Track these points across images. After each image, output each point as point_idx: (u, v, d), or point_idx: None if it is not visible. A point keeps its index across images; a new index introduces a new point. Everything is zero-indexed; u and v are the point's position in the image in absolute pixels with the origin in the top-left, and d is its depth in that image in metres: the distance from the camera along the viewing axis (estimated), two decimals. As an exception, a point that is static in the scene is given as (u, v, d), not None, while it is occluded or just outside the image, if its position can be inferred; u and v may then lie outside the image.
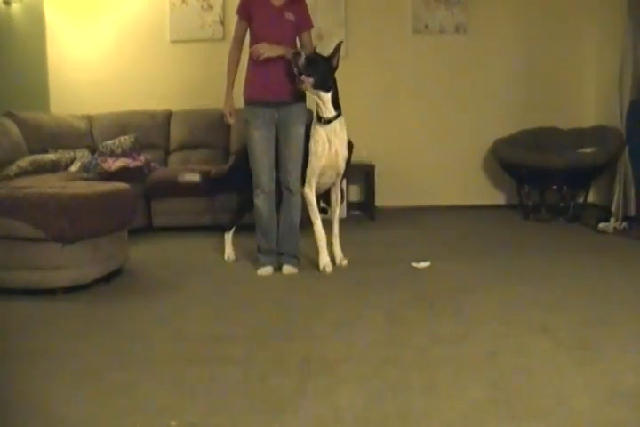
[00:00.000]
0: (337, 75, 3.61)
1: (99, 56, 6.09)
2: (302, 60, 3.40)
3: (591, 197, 5.82)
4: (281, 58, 3.50)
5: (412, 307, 2.93)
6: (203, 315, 2.90)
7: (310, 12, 3.70)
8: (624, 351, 2.31)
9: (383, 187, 5.84)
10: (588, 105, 6.13)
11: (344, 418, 1.83)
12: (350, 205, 5.91)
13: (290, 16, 3.54)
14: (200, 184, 4.43)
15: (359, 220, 5.70)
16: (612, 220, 4.87)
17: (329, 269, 3.66)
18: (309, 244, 3.78)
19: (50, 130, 5.28)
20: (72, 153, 5.13)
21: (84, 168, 4.92)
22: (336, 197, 3.90)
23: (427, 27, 6.10)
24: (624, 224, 4.78)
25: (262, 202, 3.62)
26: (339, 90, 3.62)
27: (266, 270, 3.67)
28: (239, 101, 3.68)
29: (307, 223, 3.78)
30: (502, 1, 6.12)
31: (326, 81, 3.52)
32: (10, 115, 5.03)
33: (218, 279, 3.57)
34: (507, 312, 2.82)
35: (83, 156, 5.14)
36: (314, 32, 3.76)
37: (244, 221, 4.08)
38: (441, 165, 6.21)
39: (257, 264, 3.73)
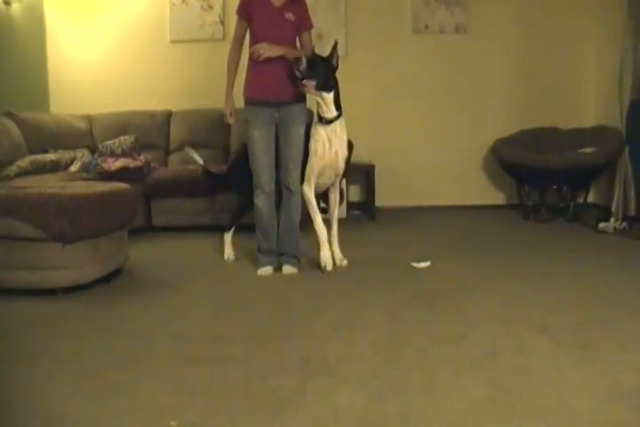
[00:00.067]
0: (337, 75, 3.61)
1: (99, 56, 6.09)
2: (304, 65, 3.41)
3: (591, 197, 5.82)
4: (281, 58, 3.50)
5: (412, 307, 2.93)
6: (203, 315, 2.90)
7: (310, 12, 3.70)
8: (624, 351, 2.31)
9: (383, 187, 5.84)
10: (588, 105, 6.13)
11: (344, 418, 1.83)
12: (350, 205, 5.91)
13: (290, 16, 3.54)
14: (200, 177, 4.43)
15: (359, 220, 5.70)
16: (612, 220, 4.87)
17: (329, 266, 3.66)
18: (309, 244, 3.78)
19: (50, 130, 5.28)
20: (72, 153, 5.13)
21: (84, 168, 4.92)
22: (335, 197, 3.90)
23: (427, 27, 6.10)
24: (624, 224, 4.78)
25: (262, 202, 3.62)
26: (339, 90, 3.63)
27: (266, 270, 3.67)
28: (239, 101, 3.68)
29: (307, 223, 3.78)
30: (502, 1, 6.12)
31: (328, 82, 3.53)
32: (10, 115, 5.03)
33: (218, 279, 3.57)
34: (507, 312, 2.82)
35: (83, 156, 5.14)
36: (314, 32, 3.76)
37: (243, 221, 4.08)
38: (441, 165, 6.21)
39: (257, 264, 3.73)
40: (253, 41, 3.56)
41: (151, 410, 1.91)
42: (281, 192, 3.69)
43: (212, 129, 5.63)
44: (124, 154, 5.17)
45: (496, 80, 6.18)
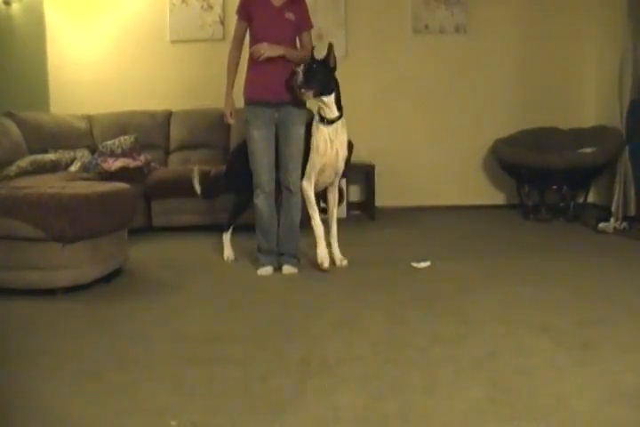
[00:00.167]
0: (337, 75, 3.61)
1: (99, 56, 6.09)
2: (300, 77, 3.41)
3: (591, 197, 5.82)
4: (281, 58, 3.50)
5: (412, 307, 2.93)
6: (203, 315, 2.90)
7: (310, 12, 3.70)
8: (624, 351, 2.31)
9: (383, 187, 5.84)
10: (588, 105, 6.13)
11: (344, 418, 1.83)
12: (350, 205, 5.91)
13: (290, 16, 3.54)
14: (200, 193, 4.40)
15: (359, 220, 5.70)
16: (612, 220, 4.87)
17: (326, 263, 3.66)
18: (310, 244, 3.78)
19: (50, 130, 5.28)
20: (72, 153, 5.13)
21: (84, 168, 4.92)
22: (334, 196, 3.90)
23: (427, 27, 6.10)
24: (624, 224, 4.77)
25: (262, 202, 3.62)
26: (340, 90, 3.62)
27: (266, 270, 3.67)
28: (239, 101, 3.68)
29: (307, 223, 3.78)
30: (502, 1, 6.12)
31: (327, 86, 3.53)
32: (10, 115, 5.03)
33: (218, 279, 3.58)
34: (507, 312, 2.82)
35: (83, 156, 5.14)
36: (314, 32, 3.76)
37: (242, 221, 4.08)
38: (441, 165, 6.21)
39: (257, 264, 3.73)
40: (253, 41, 3.56)
41: (151, 410, 1.91)
42: (281, 192, 3.69)
43: (211, 129, 5.63)
44: (123, 154, 5.17)
45: (496, 80, 6.18)
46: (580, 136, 5.68)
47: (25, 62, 5.68)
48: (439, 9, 6.07)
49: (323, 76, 3.49)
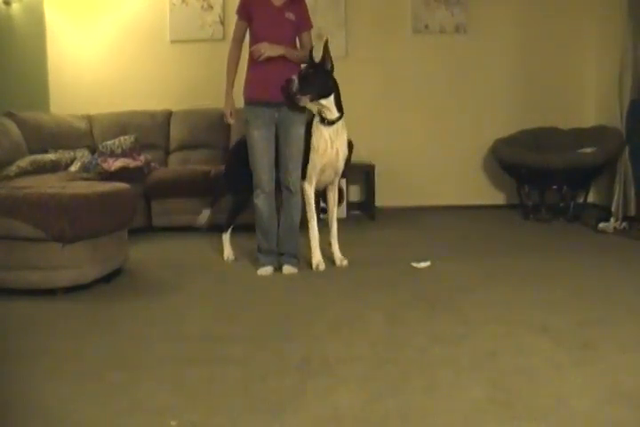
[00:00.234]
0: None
1: (99, 56, 6.10)
2: (295, 85, 3.40)
3: (591, 197, 5.82)
4: (281, 57, 3.50)
5: (412, 307, 2.93)
6: (203, 315, 2.90)
7: (310, 12, 3.70)
8: (624, 351, 2.31)
9: (383, 187, 5.84)
10: (588, 105, 6.13)
11: (344, 418, 1.83)
12: (350, 205, 5.91)
13: (290, 16, 3.54)
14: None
15: (359, 220, 5.70)
16: (612, 220, 4.87)
17: (322, 266, 3.67)
18: (309, 243, 3.77)
19: (50, 130, 5.28)
20: (72, 153, 5.13)
21: (84, 168, 4.92)
22: (334, 196, 3.90)
23: (427, 27, 6.10)
24: (624, 224, 4.78)
25: (262, 202, 3.62)
26: (340, 91, 3.62)
27: (266, 270, 3.67)
28: (239, 101, 3.68)
29: (306, 223, 3.78)
30: (502, 1, 6.13)
31: (324, 89, 3.52)
32: (10, 115, 5.03)
33: (218, 279, 3.57)
34: (507, 312, 2.82)
35: (83, 156, 5.14)
36: (314, 32, 3.76)
37: (242, 221, 4.08)
38: (441, 165, 6.21)
39: (257, 264, 3.73)
40: (253, 41, 3.56)
41: (151, 410, 1.91)
42: (281, 192, 3.69)
43: (211, 129, 5.63)
44: (124, 154, 5.17)
45: (496, 80, 6.18)
46: (580, 136, 5.68)
47: (25, 62, 5.68)
48: (439, 9, 6.07)
49: (319, 80, 3.49)
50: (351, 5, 6.08)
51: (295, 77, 3.41)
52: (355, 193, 6.16)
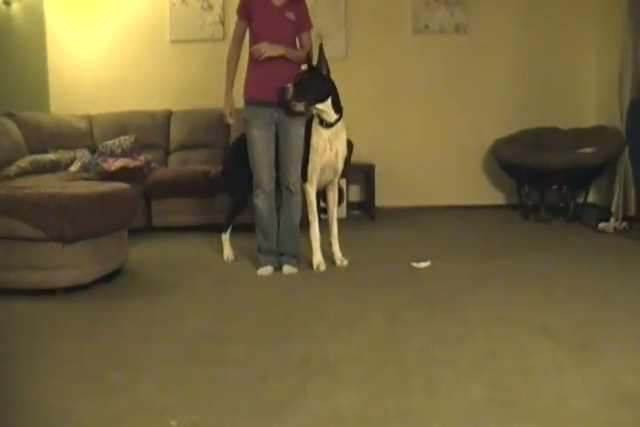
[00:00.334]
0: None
1: (99, 56, 6.09)
2: (290, 93, 3.40)
3: (591, 197, 5.82)
4: (281, 57, 3.50)
5: (412, 307, 2.93)
6: (203, 315, 2.90)
7: (310, 12, 3.70)
8: (624, 351, 2.31)
9: (383, 187, 5.84)
10: (588, 105, 6.13)
11: (344, 418, 1.83)
12: (350, 205, 5.91)
13: (290, 16, 3.54)
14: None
15: (359, 220, 5.70)
16: (612, 220, 4.87)
17: (322, 267, 3.68)
18: (309, 244, 3.78)
19: (50, 130, 5.28)
20: (72, 153, 5.13)
21: (84, 168, 4.92)
22: (333, 196, 3.90)
23: (427, 27, 6.10)
24: (624, 224, 4.77)
25: (262, 202, 3.62)
26: (338, 92, 3.61)
27: (266, 270, 3.67)
28: (239, 101, 3.68)
29: (306, 223, 3.78)
30: (502, 1, 6.12)
31: (320, 94, 3.52)
32: (10, 115, 5.03)
33: (218, 279, 3.57)
34: (507, 312, 2.82)
35: (83, 156, 5.14)
36: (314, 32, 3.77)
37: (242, 221, 4.08)
38: (441, 165, 6.21)
39: (257, 264, 3.73)
40: (253, 41, 3.56)
41: (151, 410, 1.91)
42: (281, 192, 3.69)
43: (211, 129, 5.63)
44: (124, 154, 5.17)
45: (496, 80, 6.18)
46: (580, 136, 5.68)
47: (25, 62, 5.68)
48: (439, 9, 6.07)
49: (314, 86, 3.48)
50: (351, 5, 6.07)
51: (290, 85, 3.41)
52: (355, 193, 6.16)
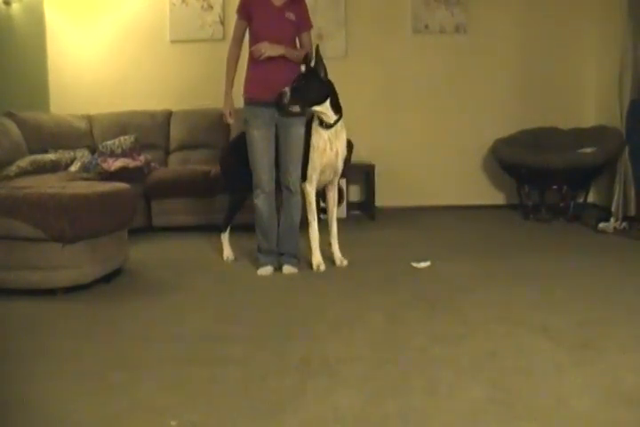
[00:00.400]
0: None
1: (99, 56, 6.10)
2: (287, 98, 3.40)
3: (591, 197, 5.82)
4: (281, 57, 3.50)
5: (412, 307, 2.93)
6: (203, 315, 2.90)
7: (310, 12, 3.70)
8: (624, 351, 2.31)
9: (383, 187, 5.84)
10: (588, 105, 6.13)
11: (344, 418, 1.83)
12: (350, 205, 5.91)
13: (290, 16, 3.54)
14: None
15: (359, 220, 5.70)
16: (612, 220, 4.87)
17: (322, 267, 3.68)
18: (309, 243, 3.77)
19: (50, 130, 5.28)
20: (72, 153, 5.13)
21: (84, 168, 4.92)
22: (333, 196, 3.90)
23: (427, 27, 6.10)
24: (624, 224, 4.77)
25: (262, 202, 3.62)
26: (337, 92, 3.61)
27: (266, 270, 3.67)
28: (239, 101, 3.68)
29: (306, 223, 3.78)
30: (502, 1, 6.12)
31: (317, 97, 3.51)
32: (10, 115, 5.03)
33: (218, 279, 3.57)
34: (507, 312, 2.82)
35: (83, 156, 5.14)
36: (314, 32, 3.77)
37: (241, 221, 4.08)
38: (441, 165, 6.21)
39: (257, 264, 3.73)
40: (254, 40, 3.56)
41: (151, 410, 1.91)
42: (281, 192, 3.69)
43: (211, 129, 5.63)
44: (123, 154, 5.17)
45: (496, 80, 6.18)
46: (580, 136, 5.68)
47: (25, 62, 5.68)
48: (439, 9, 6.07)
49: (312, 89, 3.48)
50: (351, 5, 6.07)
51: (287, 90, 3.41)
52: (355, 193, 6.16)
